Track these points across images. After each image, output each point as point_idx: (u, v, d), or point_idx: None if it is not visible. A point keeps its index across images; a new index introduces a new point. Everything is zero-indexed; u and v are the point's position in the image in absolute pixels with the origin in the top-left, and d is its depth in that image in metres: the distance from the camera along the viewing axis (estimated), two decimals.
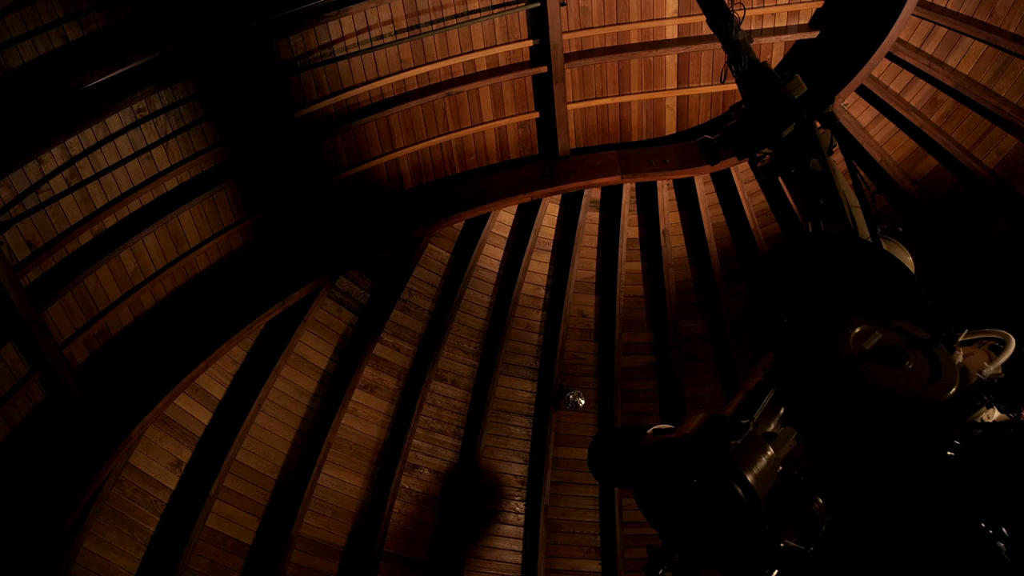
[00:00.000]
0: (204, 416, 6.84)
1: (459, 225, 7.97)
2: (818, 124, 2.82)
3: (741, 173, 7.87)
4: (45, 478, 5.85)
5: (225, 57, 6.13)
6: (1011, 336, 2.13)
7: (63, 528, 5.78)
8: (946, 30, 6.81)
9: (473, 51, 7.07)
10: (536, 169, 7.83)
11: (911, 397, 1.73)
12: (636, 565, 7.60)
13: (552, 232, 8.25)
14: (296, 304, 7.14)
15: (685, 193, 8.06)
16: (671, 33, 7.38)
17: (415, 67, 6.97)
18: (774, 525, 1.52)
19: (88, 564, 6.07)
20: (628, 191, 8.02)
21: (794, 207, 7.78)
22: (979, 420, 1.77)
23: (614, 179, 7.80)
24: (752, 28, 7.34)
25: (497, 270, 8.14)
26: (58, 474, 5.87)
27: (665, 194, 7.99)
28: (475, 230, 7.96)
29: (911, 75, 7.14)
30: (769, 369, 1.96)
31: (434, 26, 6.79)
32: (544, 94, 7.52)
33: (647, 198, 8.10)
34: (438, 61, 7.01)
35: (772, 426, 1.78)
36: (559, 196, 8.11)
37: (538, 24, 7.07)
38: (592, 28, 7.24)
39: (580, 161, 7.84)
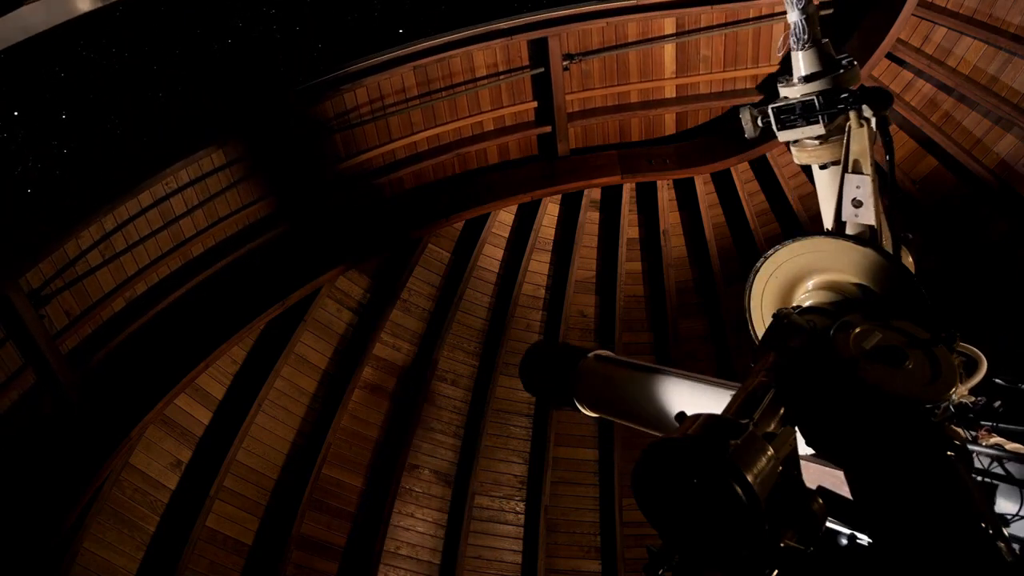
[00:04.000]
0: (204, 416, 6.84)
1: (459, 225, 7.98)
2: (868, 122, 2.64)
3: (741, 173, 7.87)
4: (45, 478, 5.85)
5: (245, 132, 6.57)
6: (983, 358, 2.07)
7: (63, 528, 5.78)
8: (946, 30, 6.81)
9: (480, 112, 7.42)
10: (536, 169, 7.84)
11: (911, 397, 1.74)
12: (636, 565, 7.61)
13: (552, 232, 8.25)
14: (296, 304, 7.14)
15: (685, 193, 8.06)
16: (669, 92, 7.68)
17: (425, 129, 7.31)
18: (774, 525, 1.52)
19: (88, 564, 6.06)
20: (628, 191, 8.02)
21: (794, 206, 7.79)
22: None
23: (614, 179, 7.80)
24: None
25: (497, 270, 8.14)
26: (58, 474, 5.87)
27: (665, 194, 7.99)
28: (475, 230, 7.96)
29: (911, 75, 7.14)
30: (770, 369, 1.96)
31: (443, 93, 7.14)
32: (548, 152, 7.83)
33: (647, 198, 8.10)
34: (447, 123, 7.36)
35: (772, 426, 1.78)
36: (559, 196, 8.11)
37: (542, 87, 7.39)
38: (594, 89, 7.54)
39: (580, 161, 7.84)
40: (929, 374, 1.79)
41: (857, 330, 1.91)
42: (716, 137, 7.86)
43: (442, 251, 7.97)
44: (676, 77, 7.53)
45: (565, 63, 7.18)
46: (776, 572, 1.52)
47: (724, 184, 7.99)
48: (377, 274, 7.74)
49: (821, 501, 1.59)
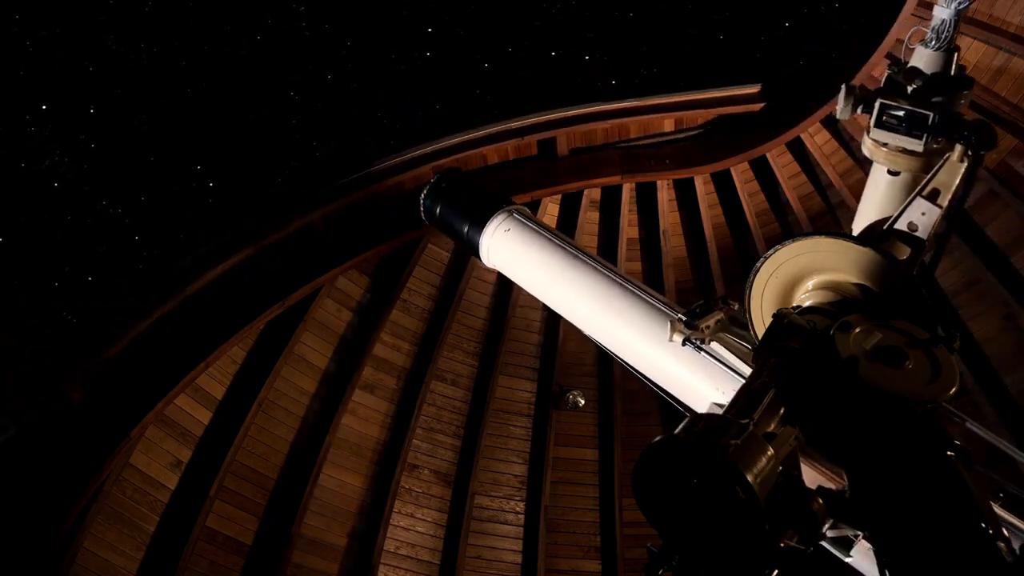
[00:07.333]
0: (204, 416, 6.84)
1: None
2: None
3: (741, 173, 7.87)
4: (46, 478, 5.85)
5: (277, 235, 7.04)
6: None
7: (63, 528, 5.78)
8: None
9: None
10: (536, 169, 7.84)
11: (911, 397, 1.74)
12: (636, 565, 7.60)
13: None
14: (296, 304, 7.14)
15: (685, 193, 8.06)
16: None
17: None
18: (774, 525, 1.52)
19: (88, 564, 6.06)
20: (628, 191, 8.02)
21: (794, 206, 7.79)
22: None
23: (614, 179, 7.81)
24: None
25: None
26: (58, 474, 5.88)
27: (665, 194, 7.99)
28: None
29: None
30: (770, 369, 1.96)
31: None
32: (548, 152, 8.02)
33: (647, 198, 8.10)
34: None
35: (772, 426, 1.78)
36: (559, 196, 8.11)
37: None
38: None
39: (580, 161, 7.84)
40: (929, 374, 1.80)
41: (857, 330, 1.91)
42: (716, 137, 7.87)
43: (442, 251, 7.97)
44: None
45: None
46: (776, 572, 1.52)
47: (724, 184, 7.99)
48: (377, 274, 7.74)
49: (821, 501, 1.59)
